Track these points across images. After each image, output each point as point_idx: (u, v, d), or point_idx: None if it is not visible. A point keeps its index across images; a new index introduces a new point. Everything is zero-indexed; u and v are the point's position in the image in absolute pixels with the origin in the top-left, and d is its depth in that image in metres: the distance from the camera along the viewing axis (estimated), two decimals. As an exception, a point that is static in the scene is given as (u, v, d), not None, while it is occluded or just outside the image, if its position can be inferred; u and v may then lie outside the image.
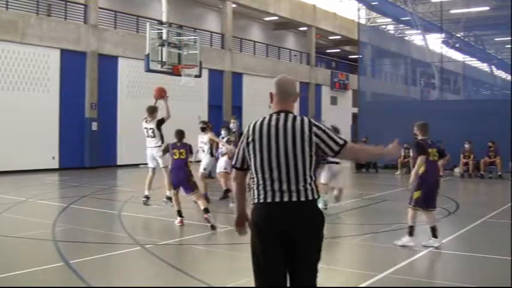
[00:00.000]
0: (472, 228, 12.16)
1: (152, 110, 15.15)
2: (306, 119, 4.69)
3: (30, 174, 23.30)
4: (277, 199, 4.51)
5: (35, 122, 25.05)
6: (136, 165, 26.84)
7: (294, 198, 4.49)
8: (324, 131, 4.64)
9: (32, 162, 24.69)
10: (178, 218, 11.99)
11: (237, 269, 8.74)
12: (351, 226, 13.10)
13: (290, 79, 5.01)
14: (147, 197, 14.42)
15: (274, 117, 4.79)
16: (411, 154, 25.98)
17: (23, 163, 24.31)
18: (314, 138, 4.59)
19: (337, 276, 8.50)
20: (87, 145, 27.28)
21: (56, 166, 26.01)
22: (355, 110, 39.87)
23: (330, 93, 47.15)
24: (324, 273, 8.58)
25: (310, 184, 4.56)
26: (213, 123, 33.65)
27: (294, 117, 4.69)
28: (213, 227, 11.34)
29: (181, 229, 11.83)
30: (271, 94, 4.92)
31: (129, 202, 15.88)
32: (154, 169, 14.80)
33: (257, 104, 36.70)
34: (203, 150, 16.02)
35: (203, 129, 16.26)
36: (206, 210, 11.62)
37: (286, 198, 4.48)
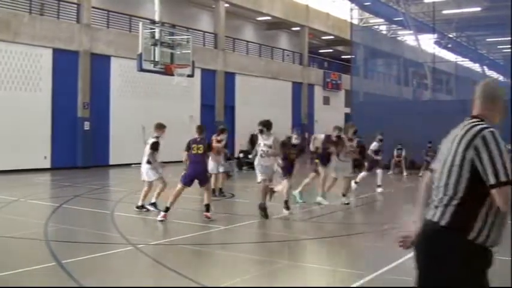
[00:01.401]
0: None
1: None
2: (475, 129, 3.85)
3: (22, 174, 23.21)
4: None
5: (27, 122, 24.97)
6: (129, 165, 26.79)
7: None
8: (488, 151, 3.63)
9: (23, 161, 24.62)
10: (162, 213, 12.14)
11: (230, 269, 8.72)
12: (344, 225, 13.10)
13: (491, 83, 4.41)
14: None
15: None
16: (403, 154, 26.13)
17: (15, 163, 24.22)
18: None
19: (330, 275, 8.52)
20: (79, 145, 27.20)
21: (48, 166, 25.95)
22: (348, 110, 39.92)
23: (323, 93, 47.19)
24: (317, 273, 8.64)
25: None
26: (205, 123, 33.75)
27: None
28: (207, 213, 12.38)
29: (173, 229, 11.82)
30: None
31: (122, 202, 15.85)
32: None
33: (250, 104, 36.70)
34: (262, 156, 13.17)
35: (262, 131, 13.57)
36: (208, 207, 12.30)
37: None
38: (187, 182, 12.49)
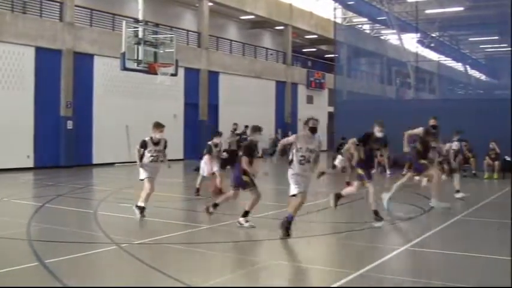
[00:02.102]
0: (446, 226, 12.25)
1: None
2: None
3: (5, 174, 23.06)
4: None
5: (10, 121, 24.83)
6: (112, 164, 26.71)
7: None
8: None
9: (6, 161, 24.47)
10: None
11: (214, 268, 8.73)
12: (327, 224, 13.14)
13: None
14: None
15: None
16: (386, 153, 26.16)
17: (-2, 162, 24.14)
18: None
19: (313, 274, 8.55)
20: (62, 144, 27.07)
21: (31, 165, 25.82)
22: (331, 109, 40.00)
23: (306, 92, 47.27)
24: (301, 272, 8.66)
25: None
26: (189, 122, 33.76)
27: None
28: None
29: (157, 228, 11.81)
30: None
31: (105, 201, 15.81)
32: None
33: (234, 103, 36.69)
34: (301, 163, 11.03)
35: (313, 131, 11.16)
36: (246, 213, 11.80)
37: None
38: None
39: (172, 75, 20.12)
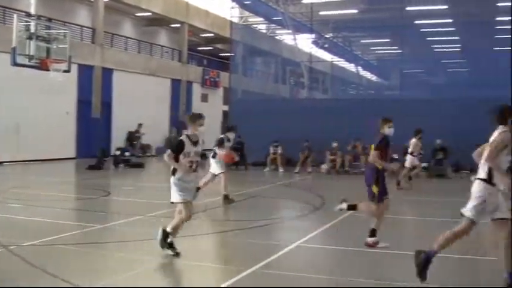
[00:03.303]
0: (337, 223, 12.52)
1: None
2: None
3: None
4: None
5: None
6: (1, 163, 25.87)
7: None
8: None
9: None
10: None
11: (105, 269, 8.61)
12: (221, 222, 13.21)
13: None
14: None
15: None
16: (279, 151, 26.60)
17: None
18: None
19: (207, 272, 8.57)
20: None
21: None
22: (226, 107, 40.17)
23: (201, 90, 47.19)
24: (194, 270, 8.67)
25: None
26: (82, 120, 32.96)
27: None
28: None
29: (48, 229, 11.51)
30: None
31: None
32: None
33: (128, 100, 36.17)
34: None
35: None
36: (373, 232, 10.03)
37: None
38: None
39: (65, 71, 19.72)
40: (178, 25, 44.95)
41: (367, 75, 47.22)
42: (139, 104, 36.55)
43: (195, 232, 10.92)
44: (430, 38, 37.85)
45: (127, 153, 29.63)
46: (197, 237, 10.87)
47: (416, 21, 34.38)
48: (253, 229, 11.76)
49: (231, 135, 16.17)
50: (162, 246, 9.05)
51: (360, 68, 45.39)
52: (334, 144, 25.77)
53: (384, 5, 34.34)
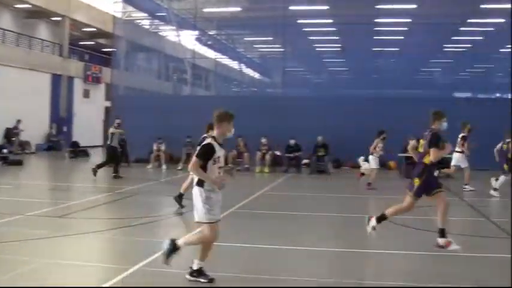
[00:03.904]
0: (222, 219, 12.59)
1: None
2: None
3: None
4: None
5: None
6: None
7: None
8: None
9: None
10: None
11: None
12: (102, 220, 13.02)
13: None
14: None
15: None
16: (163, 148, 26.48)
17: None
18: None
19: (91, 272, 8.43)
20: None
21: None
22: (108, 103, 39.57)
23: (83, 86, 46.21)
24: (78, 269, 8.50)
25: None
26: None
27: None
28: None
29: None
30: None
31: None
32: None
33: (5, 96, 34.91)
34: None
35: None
36: (442, 232, 9.50)
37: None
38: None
39: None
40: (59, 18, 43.81)
41: (250, 72, 47.66)
42: (18, 99, 35.37)
43: (78, 231, 10.73)
44: (312, 37, 38.73)
45: (5, 150, 28.73)
46: (80, 236, 10.69)
47: (299, 21, 35.10)
48: (137, 227, 11.67)
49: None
50: (166, 261, 7.72)
51: (243, 66, 45.76)
52: (219, 141, 25.94)
53: (267, 3, 34.83)
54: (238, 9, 36.83)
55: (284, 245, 10.06)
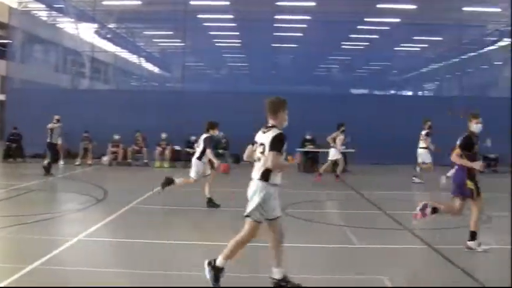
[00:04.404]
0: (121, 214, 12.55)
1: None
2: None
3: None
4: None
5: None
6: None
7: None
8: None
9: None
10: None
11: None
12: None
13: None
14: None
15: None
16: (59, 142, 25.91)
17: None
18: None
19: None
20: None
21: None
22: (3, 97, 38.37)
23: (-24, 78, 44.63)
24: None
25: None
26: None
27: None
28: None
29: None
30: None
31: None
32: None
33: None
34: None
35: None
36: (473, 235, 9.54)
37: None
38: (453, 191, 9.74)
39: None
40: None
41: (150, 67, 47.28)
42: None
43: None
44: (213, 33, 38.80)
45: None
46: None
47: (200, 15, 35.09)
48: (33, 224, 11.42)
49: (216, 132, 14.74)
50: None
51: (143, 60, 45.33)
52: (116, 136, 25.67)
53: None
54: (139, 2, 36.46)
55: (176, 240, 10.10)
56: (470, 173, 9.41)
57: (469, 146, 9.47)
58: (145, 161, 25.52)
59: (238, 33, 38.82)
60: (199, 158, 13.91)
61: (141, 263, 8.66)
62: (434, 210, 9.64)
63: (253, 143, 7.22)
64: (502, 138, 19.85)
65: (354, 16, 34.15)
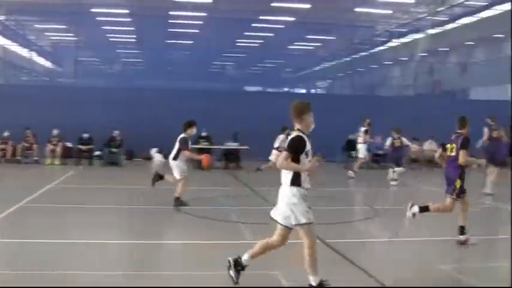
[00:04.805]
0: (10, 214, 12.15)
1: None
2: None
3: None
4: None
5: None
6: None
7: None
8: None
9: None
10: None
11: None
12: None
13: None
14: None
15: None
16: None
17: None
18: None
19: None
20: None
21: None
22: None
23: None
24: None
25: None
26: None
27: None
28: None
29: None
30: None
31: None
32: None
33: None
34: None
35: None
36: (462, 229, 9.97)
37: None
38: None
39: None
40: None
41: (41, 61, 46.14)
42: None
43: None
44: (107, 27, 38.23)
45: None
46: None
47: (93, 9, 34.46)
48: None
49: (193, 131, 13.84)
50: None
51: (33, 54, 44.16)
52: (6, 133, 24.84)
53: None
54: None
55: (68, 239, 9.89)
56: (463, 172, 9.98)
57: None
58: (36, 158, 24.80)
59: (133, 28, 38.42)
60: (175, 158, 13.44)
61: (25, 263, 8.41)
62: (424, 209, 10.10)
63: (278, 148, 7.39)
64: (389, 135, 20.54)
65: (249, 14, 34.46)
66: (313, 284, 6.91)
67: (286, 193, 6.95)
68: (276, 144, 20.26)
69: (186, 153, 13.28)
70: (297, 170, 6.87)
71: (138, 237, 10.36)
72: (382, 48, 44.99)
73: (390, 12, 38.64)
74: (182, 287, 7.24)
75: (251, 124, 23.56)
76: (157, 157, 25.27)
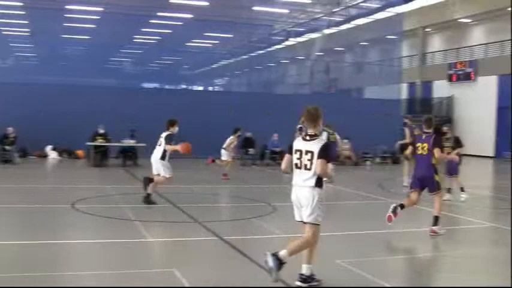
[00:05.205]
0: None
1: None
2: None
3: None
4: None
5: None
6: None
7: None
8: None
9: None
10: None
11: None
12: None
13: None
14: None
15: None
16: None
17: None
18: None
19: None
20: None
21: None
22: None
23: None
24: None
25: None
26: None
27: None
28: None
29: None
30: None
31: None
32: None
33: None
34: None
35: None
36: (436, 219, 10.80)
37: None
38: (417, 185, 10.87)
39: None
40: None
41: None
42: None
43: None
44: (-2, 20, 37.03)
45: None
46: None
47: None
48: None
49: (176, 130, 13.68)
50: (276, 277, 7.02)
51: None
52: None
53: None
54: None
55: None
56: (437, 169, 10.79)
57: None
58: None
59: (26, 21, 37.35)
60: (163, 158, 13.44)
61: None
62: (402, 206, 10.75)
63: (290, 151, 7.39)
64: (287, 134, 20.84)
65: (147, 10, 34.19)
66: (306, 272, 7.28)
67: (310, 194, 7.21)
68: (224, 145, 20.04)
69: (168, 147, 13.29)
70: (327, 177, 7.50)
71: (27, 238, 10.03)
72: (279, 46, 45.59)
73: (287, 11, 39.31)
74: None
75: (148, 121, 23.39)
76: (52, 154, 24.76)
